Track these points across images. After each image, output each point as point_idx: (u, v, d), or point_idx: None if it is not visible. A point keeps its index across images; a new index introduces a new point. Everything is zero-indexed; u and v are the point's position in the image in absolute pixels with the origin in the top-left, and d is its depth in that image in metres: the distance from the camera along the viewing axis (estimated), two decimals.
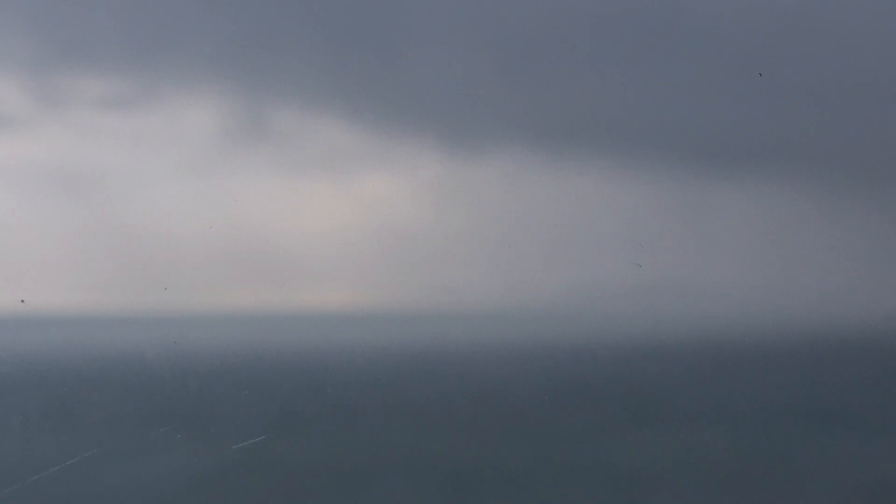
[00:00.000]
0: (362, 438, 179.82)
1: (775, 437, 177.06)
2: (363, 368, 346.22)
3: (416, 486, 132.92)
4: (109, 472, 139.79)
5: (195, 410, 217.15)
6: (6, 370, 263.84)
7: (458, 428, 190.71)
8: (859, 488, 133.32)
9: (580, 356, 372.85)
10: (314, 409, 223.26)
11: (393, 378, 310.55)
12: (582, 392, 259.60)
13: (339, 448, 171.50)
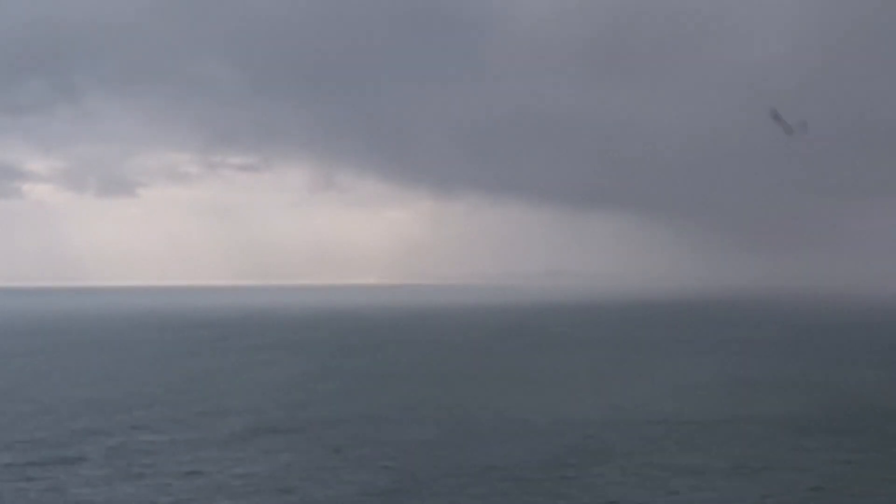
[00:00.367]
0: (386, 357, 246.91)
1: (613, 357, 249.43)
2: (386, 319, 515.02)
3: (418, 383, 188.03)
4: (246, 376, 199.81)
5: (294, 342, 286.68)
6: (203, 317, 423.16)
7: (439, 350, 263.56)
8: (674, 390, 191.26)
9: (509, 312, 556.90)
10: (359, 342, 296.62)
11: (403, 324, 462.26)
12: (511, 333, 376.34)
13: (373, 363, 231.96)
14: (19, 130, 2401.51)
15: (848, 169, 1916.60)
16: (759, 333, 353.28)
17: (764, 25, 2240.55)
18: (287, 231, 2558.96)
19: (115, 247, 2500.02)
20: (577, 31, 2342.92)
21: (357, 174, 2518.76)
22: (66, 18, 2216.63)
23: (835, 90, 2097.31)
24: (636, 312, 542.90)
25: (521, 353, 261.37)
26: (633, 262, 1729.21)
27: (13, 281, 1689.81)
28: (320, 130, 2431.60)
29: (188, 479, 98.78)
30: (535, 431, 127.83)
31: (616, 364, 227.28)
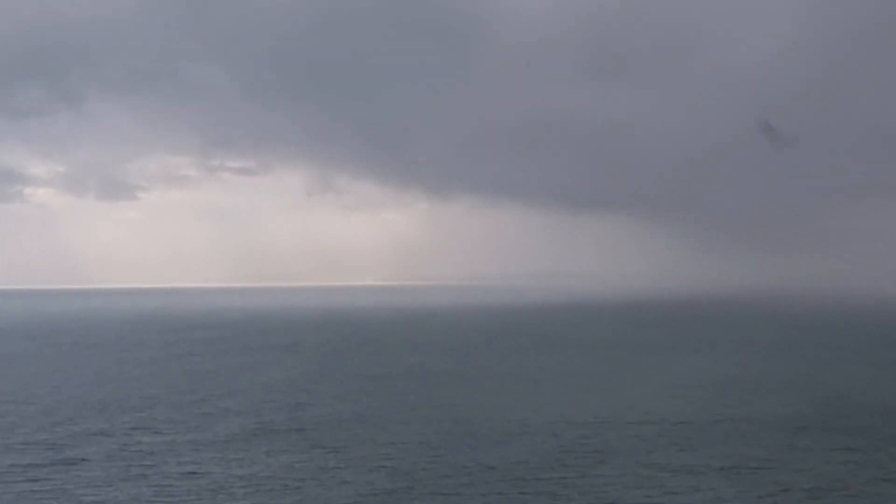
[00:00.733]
0: (384, 358, 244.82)
1: (604, 357, 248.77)
2: (384, 320, 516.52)
3: (416, 383, 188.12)
4: (246, 376, 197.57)
5: (293, 343, 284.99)
6: (211, 318, 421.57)
7: (437, 351, 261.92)
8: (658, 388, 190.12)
9: (506, 313, 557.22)
10: (357, 340, 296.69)
11: (401, 324, 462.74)
12: (507, 333, 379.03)
13: (372, 363, 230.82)
14: (20, 135, 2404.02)
15: (838, 170, 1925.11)
16: (753, 333, 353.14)
17: (756, 29, 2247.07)
18: (285, 233, 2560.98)
19: (116, 249, 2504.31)
20: (571, 34, 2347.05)
21: (354, 177, 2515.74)
22: (65, 22, 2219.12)
23: (826, 94, 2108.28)
24: (631, 313, 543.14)
25: (518, 354, 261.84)
26: (627, 264, 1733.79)
27: (15, 283, 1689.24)
28: (317, 134, 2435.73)
29: (189, 480, 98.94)
30: (533, 431, 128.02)
31: (612, 364, 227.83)
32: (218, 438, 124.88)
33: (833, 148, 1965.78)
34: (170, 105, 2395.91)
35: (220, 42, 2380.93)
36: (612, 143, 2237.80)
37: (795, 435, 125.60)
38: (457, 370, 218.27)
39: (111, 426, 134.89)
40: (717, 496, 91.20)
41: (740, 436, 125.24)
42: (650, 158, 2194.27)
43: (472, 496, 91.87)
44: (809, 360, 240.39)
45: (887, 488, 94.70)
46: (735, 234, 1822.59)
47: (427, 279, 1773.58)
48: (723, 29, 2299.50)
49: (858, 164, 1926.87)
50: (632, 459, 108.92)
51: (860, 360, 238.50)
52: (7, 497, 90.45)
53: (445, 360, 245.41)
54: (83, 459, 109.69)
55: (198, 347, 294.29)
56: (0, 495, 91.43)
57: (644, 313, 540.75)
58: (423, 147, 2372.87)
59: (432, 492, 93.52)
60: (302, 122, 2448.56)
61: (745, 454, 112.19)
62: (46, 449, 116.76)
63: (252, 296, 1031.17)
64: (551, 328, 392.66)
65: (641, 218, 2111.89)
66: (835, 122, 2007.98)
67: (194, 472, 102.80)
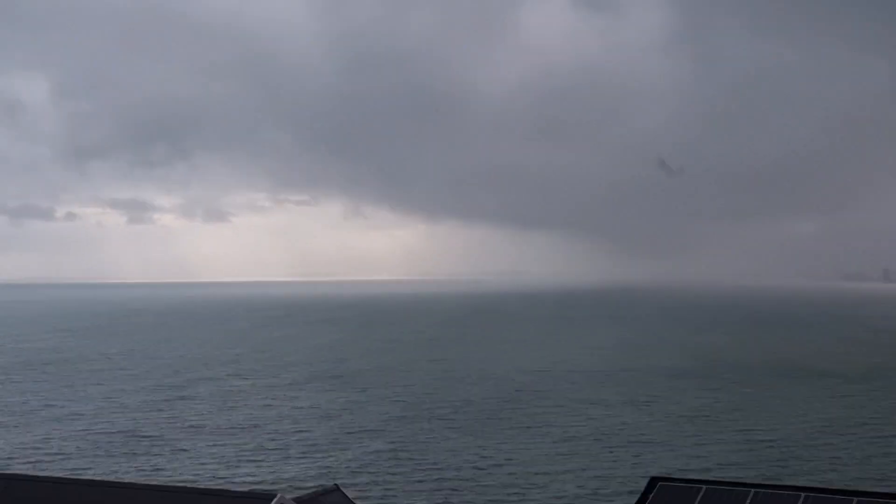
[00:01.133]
0: (395, 329, 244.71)
1: (545, 327, 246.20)
2: (395, 304, 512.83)
3: (417, 346, 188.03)
4: (301, 341, 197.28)
5: (332, 319, 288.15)
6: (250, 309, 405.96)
7: (431, 324, 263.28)
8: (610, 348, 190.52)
9: (479, 299, 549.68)
10: (377, 317, 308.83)
11: (406, 306, 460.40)
12: (480, 312, 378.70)
13: (386, 333, 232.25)
14: (152, 178, 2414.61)
15: (710, 200, 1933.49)
16: (646, 312, 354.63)
17: (653, 100, 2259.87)
18: (328, 244, 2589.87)
19: (215, 255, 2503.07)
20: (523, 108, 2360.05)
21: (375, 207, 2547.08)
22: (180, 100, 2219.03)
23: (705, 143, 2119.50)
24: (566, 299, 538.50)
25: (488, 325, 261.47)
26: (563, 265, 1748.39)
27: (148, 279, 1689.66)
28: (350, 178, 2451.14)
29: (265, 410, 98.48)
30: (497, 377, 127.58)
31: (550, 332, 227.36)
32: (284, 382, 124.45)
33: (703, 184, 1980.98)
34: (251, 158, 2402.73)
35: (285, 115, 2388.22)
36: (550, 182, 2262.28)
37: (674, 379, 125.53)
38: (444, 336, 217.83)
39: (212, 374, 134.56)
40: (622, 420, 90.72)
41: (637, 380, 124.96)
42: (576, 193, 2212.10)
43: (456, 420, 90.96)
44: (685, 329, 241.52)
45: (737, 414, 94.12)
46: (633, 245, 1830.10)
47: (424, 275, 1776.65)
48: (629, 102, 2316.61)
49: (722, 196, 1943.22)
50: (564, 396, 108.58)
51: (718, 330, 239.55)
52: (145, 422, 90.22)
53: (437, 329, 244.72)
54: (193, 397, 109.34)
55: (270, 321, 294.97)
56: (140, 420, 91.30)
57: (573, 299, 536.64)
58: (421, 186, 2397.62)
59: (429, 417, 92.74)
60: (340, 169, 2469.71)
61: (640, 392, 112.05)
62: (168, 389, 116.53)
63: (305, 287, 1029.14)
64: (509, 309, 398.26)
65: (571, 233, 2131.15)
66: (707, 167, 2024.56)
67: (269, 405, 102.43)
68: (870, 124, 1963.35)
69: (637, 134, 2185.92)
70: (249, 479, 65.54)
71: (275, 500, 25.59)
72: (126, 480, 55.15)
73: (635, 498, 30.89)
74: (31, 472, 58.27)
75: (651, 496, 29.29)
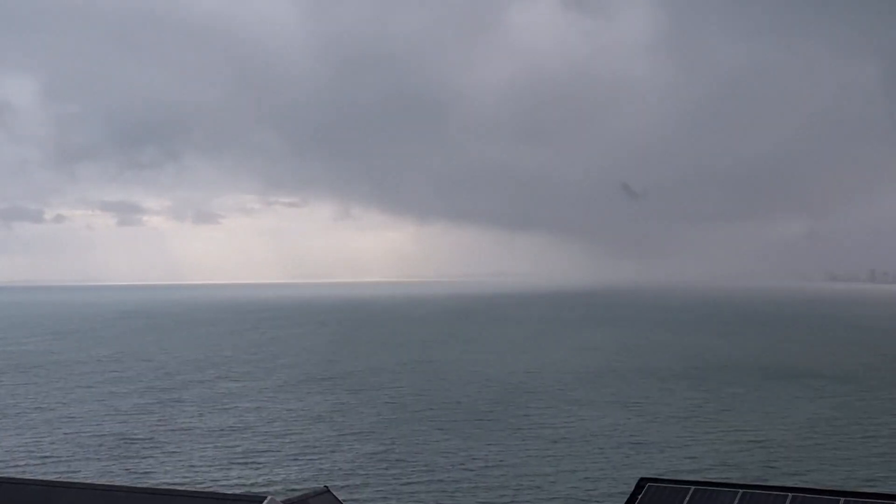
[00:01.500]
0: (385, 329, 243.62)
1: (533, 328, 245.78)
2: (385, 304, 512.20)
3: (407, 346, 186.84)
4: (291, 343, 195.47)
5: (323, 321, 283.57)
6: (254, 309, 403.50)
7: (421, 325, 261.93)
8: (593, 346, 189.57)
9: (467, 299, 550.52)
10: (368, 318, 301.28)
11: (396, 307, 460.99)
12: (468, 313, 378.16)
13: (377, 333, 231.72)
14: (141, 180, 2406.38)
15: (687, 203, 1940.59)
16: (633, 313, 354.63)
17: (641, 101, 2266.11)
18: (319, 246, 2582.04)
19: (205, 257, 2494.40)
20: (507, 111, 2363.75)
21: (365, 208, 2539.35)
22: (169, 104, 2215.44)
23: (680, 148, 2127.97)
24: (551, 300, 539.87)
25: (476, 327, 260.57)
26: (547, 266, 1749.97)
27: (137, 281, 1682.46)
28: (340, 179, 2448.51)
29: (255, 412, 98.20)
30: (487, 379, 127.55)
31: (539, 333, 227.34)
32: (275, 384, 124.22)
33: (678, 188, 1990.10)
34: (241, 160, 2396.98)
35: (275, 117, 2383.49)
36: (535, 185, 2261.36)
37: (663, 380, 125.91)
38: (434, 337, 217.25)
39: (203, 376, 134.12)
40: (611, 421, 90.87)
41: (626, 381, 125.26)
42: (564, 194, 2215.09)
43: (446, 422, 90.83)
44: (671, 331, 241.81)
45: (726, 415, 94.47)
46: (622, 246, 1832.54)
47: (414, 277, 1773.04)
48: (617, 103, 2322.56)
49: (696, 200, 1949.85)
50: (554, 397, 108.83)
51: (707, 331, 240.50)
52: (135, 424, 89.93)
53: (426, 330, 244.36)
54: (184, 399, 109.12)
55: (260, 323, 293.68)
56: (130, 423, 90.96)
57: (560, 300, 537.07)
58: (411, 188, 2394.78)
59: (420, 419, 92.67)
60: (330, 171, 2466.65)
61: (630, 393, 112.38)
62: (158, 391, 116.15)
63: (296, 289, 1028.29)
64: (498, 310, 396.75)
65: (556, 235, 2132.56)
66: (680, 170, 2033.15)
67: (259, 407, 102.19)
68: (856, 124, 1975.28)
69: (625, 135, 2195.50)
70: (240, 481, 65.42)
71: (265, 502, 25.66)
72: (117, 483, 55.00)
73: (624, 499, 30.97)
74: (21, 476, 58.07)
75: (640, 497, 29.42)
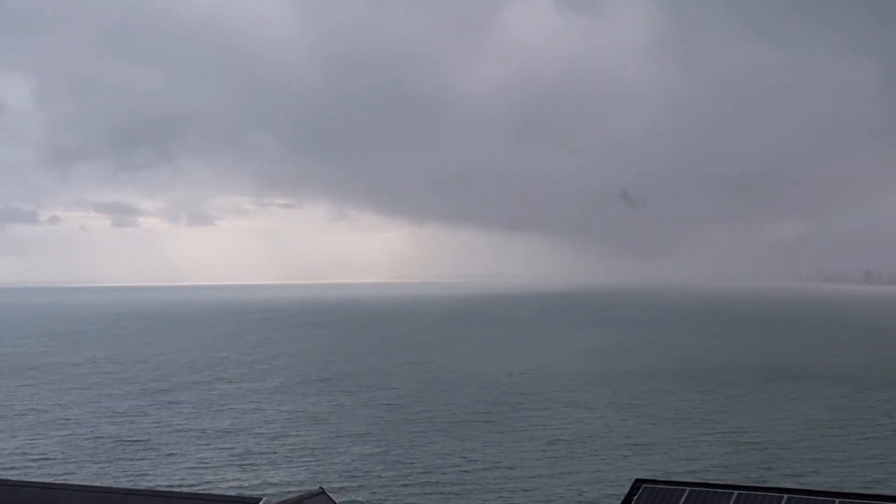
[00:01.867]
0: (381, 331, 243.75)
1: (529, 330, 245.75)
2: (381, 306, 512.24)
3: (404, 348, 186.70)
4: (288, 345, 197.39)
5: (319, 322, 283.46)
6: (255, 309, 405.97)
7: (417, 327, 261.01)
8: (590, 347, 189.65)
9: (463, 301, 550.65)
10: (363, 320, 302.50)
11: (393, 309, 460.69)
12: (465, 314, 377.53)
13: (373, 335, 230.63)
14: (135, 181, 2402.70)
15: (683, 203, 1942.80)
16: (628, 314, 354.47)
17: (638, 103, 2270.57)
18: (314, 247, 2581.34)
19: (200, 259, 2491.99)
20: (504, 111, 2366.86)
21: (360, 210, 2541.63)
22: (163, 106, 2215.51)
23: (675, 148, 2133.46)
24: (548, 301, 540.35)
25: (472, 328, 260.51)
26: (544, 268, 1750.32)
27: (133, 282, 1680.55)
28: (335, 181, 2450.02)
29: (251, 413, 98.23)
30: (483, 380, 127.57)
31: (535, 335, 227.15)
32: (270, 386, 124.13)
33: (674, 189, 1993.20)
34: (236, 161, 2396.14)
35: (269, 118, 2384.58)
36: (532, 186, 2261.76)
37: (659, 381, 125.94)
38: (429, 339, 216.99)
39: (198, 378, 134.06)
40: (607, 423, 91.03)
41: (622, 382, 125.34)
42: (557, 196, 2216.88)
43: (442, 423, 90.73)
44: (667, 331, 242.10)
45: (722, 416, 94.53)
46: (618, 247, 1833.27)
47: (409, 278, 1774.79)
48: (613, 104, 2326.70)
49: (692, 201, 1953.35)
50: (550, 398, 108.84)
51: (700, 332, 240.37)
52: (131, 426, 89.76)
53: (422, 332, 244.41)
54: (179, 401, 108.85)
55: (256, 324, 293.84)
56: (126, 425, 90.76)
57: (557, 301, 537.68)
58: (406, 189, 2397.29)
59: (416, 420, 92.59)
60: (325, 172, 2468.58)
61: (625, 394, 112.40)
62: (154, 393, 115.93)
63: (291, 290, 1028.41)
64: (494, 311, 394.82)
65: (553, 236, 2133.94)
66: (676, 170, 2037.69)
67: (255, 409, 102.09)
68: (852, 126, 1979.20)
69: (621, 136, 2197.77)
70: (236, 483, 65.38)
71: (260, 503, 25.72)
72: (112, 485, 54.93)
73: (620, 500, 30.99)
74: (16, 478, 57.94)
75: (635, 498, 29.46)
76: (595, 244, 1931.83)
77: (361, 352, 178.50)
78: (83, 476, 67.28)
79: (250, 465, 71.81)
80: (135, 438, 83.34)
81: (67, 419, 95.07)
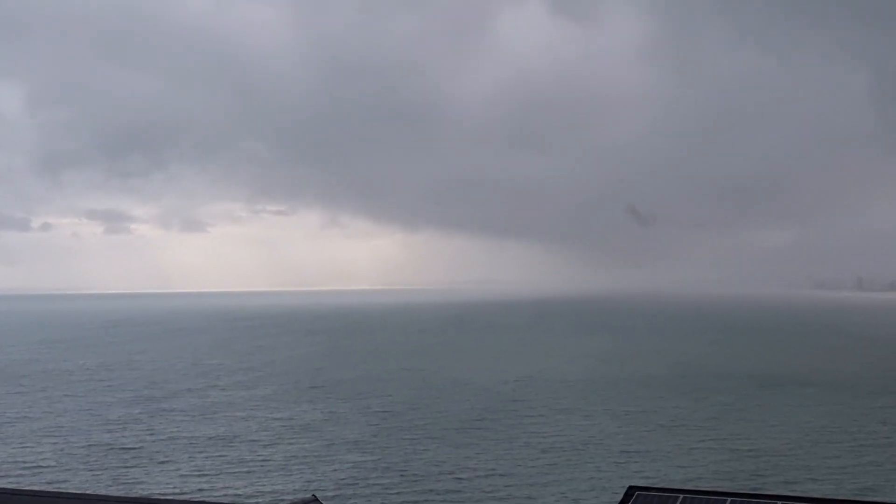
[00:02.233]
0: (374, 338, 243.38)
1: (523, 337, 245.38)
2: (374, 313, 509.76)
3: (397, 356, 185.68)
4: (281, 352, 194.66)
5: (312, 329, 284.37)
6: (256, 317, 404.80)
7: (410, 334, 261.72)
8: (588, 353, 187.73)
9: (456, 308, 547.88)
10: (356, 327, 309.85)
11: (385, 316, 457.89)
12: (457, 321, 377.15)
13: (366, 342, 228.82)
14: (128, 189, 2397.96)
15: (676, 210, 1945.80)
16: (623, 321, 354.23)
17: (631, 110, 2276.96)
18: (306, 254, 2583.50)
19: (192, 265, 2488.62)
20: (497, 118, 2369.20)
21: (353, 217, 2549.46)
22: (156, 110, 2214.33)
23: (668, 155, 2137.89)
24: (541, 308, 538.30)
25: (465, 335, 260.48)
26: (537, 274, 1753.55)
27: (125, 289, 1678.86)
28: (327, 188, 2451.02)
29: (244, 421, 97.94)
30: (476, 388, 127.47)
31: (528, 342, 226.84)
32: (263, 393, 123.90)
33: (668, 195, 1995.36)
34: (228, 169, 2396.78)
35: (262, 126, 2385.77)
36: (524, 193, 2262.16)
37: (653, 388, 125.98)
38: (422, 346, 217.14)
39: (191, 385, 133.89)
40: (601, 430, 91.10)
41: (616, 389, 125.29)
42: (550, 203, 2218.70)
43: (436, 430, 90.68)
44: (662, 338, 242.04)
45: (716, 423, 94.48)
46: (611, 254, 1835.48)
47: (402, 285, 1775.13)
48: (606, 112, 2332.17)
49: (685, 207, 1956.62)
50: (543, 406, 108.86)
51: (695, 338, 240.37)
52: (123, 434, 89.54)
53: (415, 339, 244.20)
54: (172, 408, 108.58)
55: (248, 332, 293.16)
56: (118, 432, 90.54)
57: (550, 308, 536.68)
58: (399, 196, 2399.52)
59: (409, 427, 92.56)
60: (317, 179, 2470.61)
61: (619, 401, 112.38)
62: (147, 400, 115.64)
63: (283, 297, 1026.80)
64: (486, 318, 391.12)
65: (546, 243, 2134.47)
66: (670, 177, 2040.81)
67: (247, 416, 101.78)
68: (844, 132, 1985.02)
69: (614, 143, 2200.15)
70: (229, 490, 65.22)
71: None
72: (105, 493, 54.76)
73: None
74: (8, 486, 57.71)
75: None
76: (588, 250, 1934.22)
77: (354, 359, 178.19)
78: (76, 484, 67.08)
79: (243, 472, 71.64)
80: (128, 446, 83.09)
81: (60, 427, 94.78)
